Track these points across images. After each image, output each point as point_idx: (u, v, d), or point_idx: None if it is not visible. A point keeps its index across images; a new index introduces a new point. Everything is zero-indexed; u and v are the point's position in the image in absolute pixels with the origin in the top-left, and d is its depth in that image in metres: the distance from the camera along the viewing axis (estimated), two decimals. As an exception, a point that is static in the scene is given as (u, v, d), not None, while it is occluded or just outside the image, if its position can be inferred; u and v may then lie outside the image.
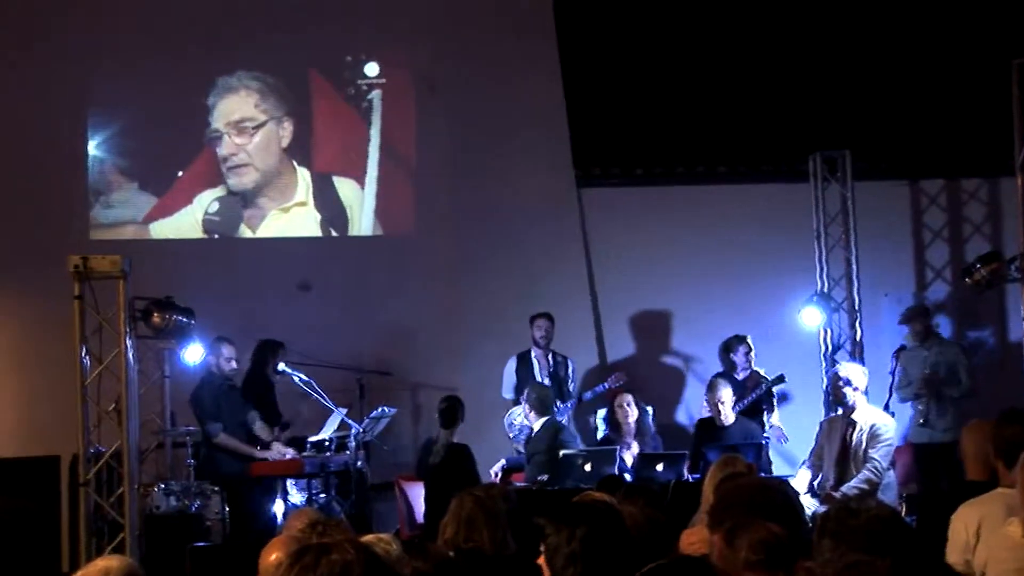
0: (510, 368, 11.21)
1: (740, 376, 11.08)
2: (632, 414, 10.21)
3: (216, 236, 12.20)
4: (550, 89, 12.14)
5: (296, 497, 10.29)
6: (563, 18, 12.21)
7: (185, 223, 12.14)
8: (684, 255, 12.14)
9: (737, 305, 11.85)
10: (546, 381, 10.83)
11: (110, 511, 9.00)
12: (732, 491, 4.70)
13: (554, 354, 11.18)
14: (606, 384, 10.94)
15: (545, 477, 9.50)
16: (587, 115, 12.21)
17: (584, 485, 8.22)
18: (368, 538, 4.20)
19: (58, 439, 10.10)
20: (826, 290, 11.69)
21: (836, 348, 11.64)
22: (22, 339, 11.62)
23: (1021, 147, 10.79)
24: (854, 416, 8.86)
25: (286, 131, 12.30)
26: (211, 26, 12.00)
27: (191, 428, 10.19)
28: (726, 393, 10.12)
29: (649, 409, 10.62)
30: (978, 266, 10.77)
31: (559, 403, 10.59)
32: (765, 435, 10.68)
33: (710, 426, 10.24)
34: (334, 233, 12.33)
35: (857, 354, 11.41)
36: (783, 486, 4.96)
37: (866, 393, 9.00)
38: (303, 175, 12.28)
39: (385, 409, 10.60)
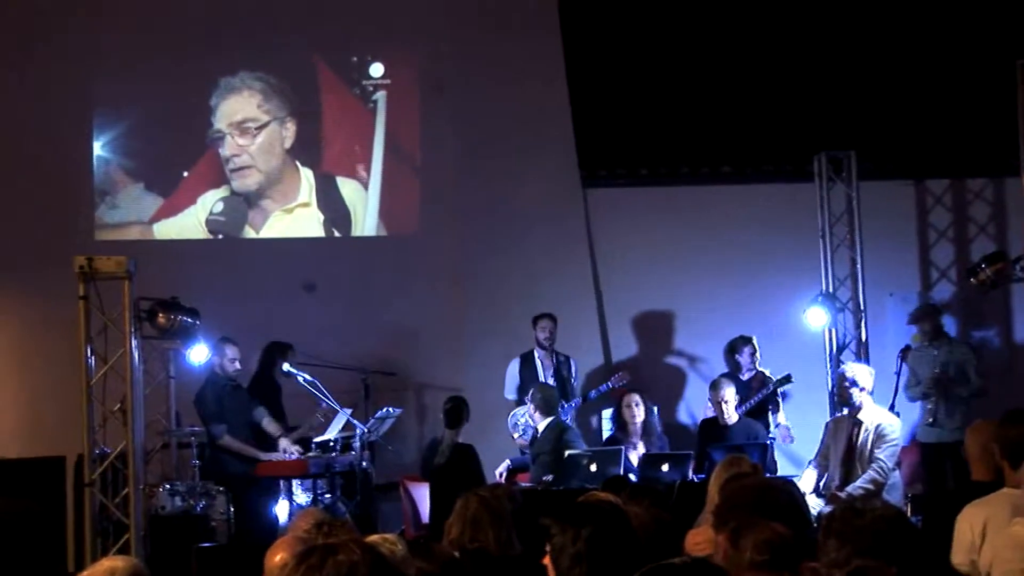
0: (513, 369, 11.20)
1: (745, 377, 11.07)
2: (639, 414, 10.21)
3: (220, 237, 12.21)
4: (555, 90, 12.13)
5: (301, 497, 10.29)
6: (568, 18, 12.21)
7: (189, 223, 12.15)
8: (689, 255, 12.13)
9: (742, 305, 11.85)
10: (551, 381, 10.82)
11: (115, 511, 9.01)
12: (737, 491, 4.70)
13: (556, 354, 11.18)
14: (609, 384, 10.94)
15: (550, 477, 9.50)
16: (592, 116, 12.21)
17: (589, 485, 8.22)
18: (373, 538, 4.21)
19: (63, 439, 10.11)
20: (831, 290, 11.67)
21: (841, 348, 11.63)
22: (27, 339, 11.64)
23: (1026, 147, 10.78)
24: (860, 416, 8.86)
25: (289, 132, 12.30)
26: (215, 26, 12.00)
27: (196, 428, 10.20)
28: (729, 392, 10.13)
29: (655, 409, 10.62)
30: (983, 266, 10.75)
31: (563, 403, 10.58)
32: (771, 435, 10.68)
33: (713, 426, 10.25)
34: (337, 234, 12.33)
35: (862, 354, 11.40)
36: (788, 486, 4.96)
37: (871, 393, 8.99)
38: (307, 176, 12.29)
39: (390, 410, 10.60)
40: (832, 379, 11.40)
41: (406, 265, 12.09)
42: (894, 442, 8.79)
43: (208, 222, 12.16)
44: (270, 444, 10.41)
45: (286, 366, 10.44)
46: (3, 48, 11.83)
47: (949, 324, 11.61)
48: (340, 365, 10.97)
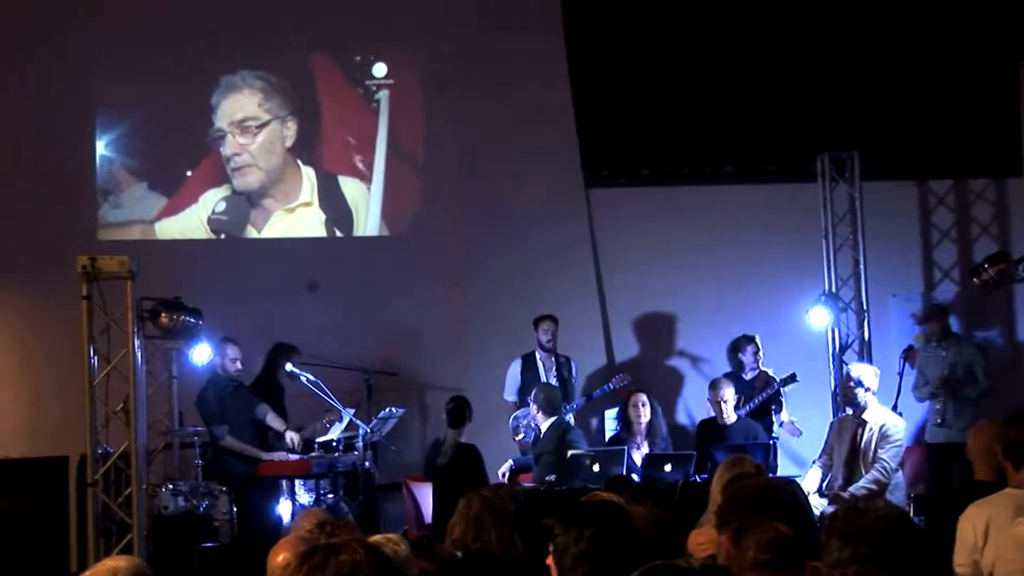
0: (514, 371, 11.19)
1: (748, 376, 11.08)
2: (645, 414, 10.21)
3: (222, 236, 12.21)
4: (558, 90, 12.13)
5: (304, 497, 10.28)
6: (571, 18, 12.21)
7: (191, 223, 12.15)
8: (691, 255, 12.13)
9: (744, 305, 11.85)
10: (552, 383, 10.82)
11: (118, 511, 9.01)
12: (740, 491, 4.70)
13: (558, 355, 11.18)
14: (610, 385, 10.95)
15: (553, 477, 9.51)
16: (595, 116, 12.21)
17: (592, 485, 8.21)
18: (376, 538, 4.21)
19: (66, 439, 10.11)
20: (834, 290, 11.67)
21: (844, 348, 11.63)
22: (30, 339, 11.65)
23: (1029, 147, 10.78)
24: (865, 416, 8.87)
25: (290, 131, 12.30)
26: (216, 25, 12.00)
27: (199, 428, 10.20)
28: (729, 392, 10.15)
29: (659, 410, 10.61)
30: (986, 266, 10.75)
31: (564, 404, 10.57)
32: (774, 435, 10.69)
33: (712, 426, 10.28)
34: (339, 233, 12.33)
35: (865, 354, 11.40)
36: (791, 486, 4.96)
37: (876, 394, 9.00)
38: (308, 175, 12.28)
39: (393, 410, 10.61)
40: (835, 379, 11.41)
41: (408, 265, 12.09)
42: (898, 443, 8.79)
43: (210, 221, 12.16)
44: (273, 444, 10.42)
45: (289, 366, 10.45)
46: (4, 48, 11.84)
47: (952, 325, 11.60)
48: (343, 365, 10.97)
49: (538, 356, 11.16)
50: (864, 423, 8.84)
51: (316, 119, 12.38)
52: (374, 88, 12.37)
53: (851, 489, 8.61)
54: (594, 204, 12.31)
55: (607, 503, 4.62)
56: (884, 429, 8.76)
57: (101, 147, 12.09)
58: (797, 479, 8.41)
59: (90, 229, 11.92)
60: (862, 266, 11.68)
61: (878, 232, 11.81)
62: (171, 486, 9.80)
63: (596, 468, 9.18)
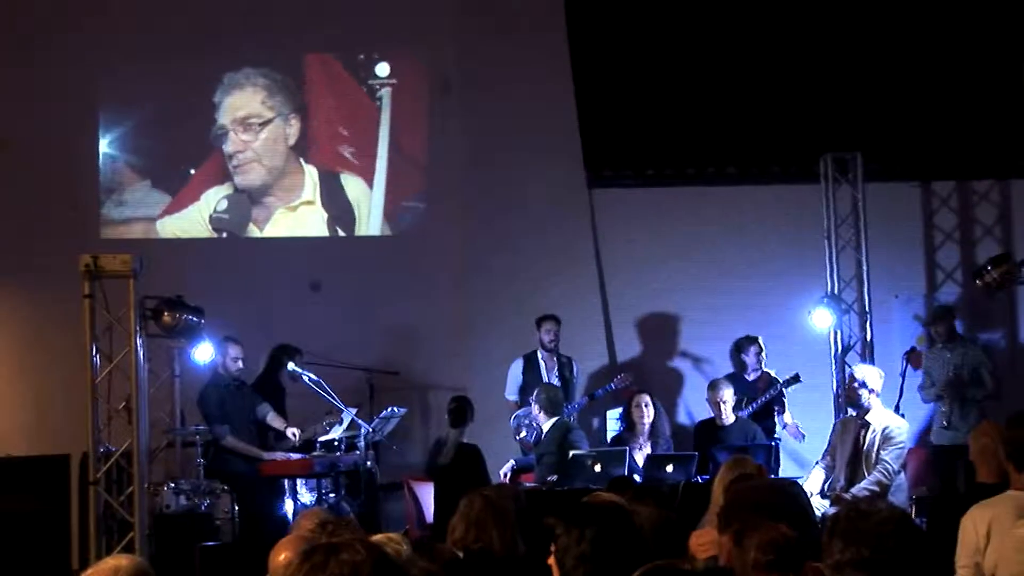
0: (516, 370, 11.19)
1: (751, 377, 11.07)
2: (648, 415, 10.21)
3: (224, 235, 12.21)
4: (561, 90, 12.13)
5: (306, 497, 10.28)
6: (574, 19, 12.20)
7: (193, 221, 12.15)
8: (694, 256, 12.12)
9: (747, 306, 11.84)
10: (555, 382, 10.82)
11: (120, 510, 9.01)
12: (742, 493, 4.70)
13: (559, 356, 11.18)
14: (612, 385, 10.94)
15: (555, 477, 9.51)
16: (598, 116, 12.20)
17: (594, 486, 8.21)
18: (378, 538, 4.21)
19: (68, 438, 10.11)
20: (836, 291, 11.66)
21: (846, 349, 11.62)
22: (33, 337, 11.65)
23: (1032, 149, 10.78)
24: (868, 418, 8.87)
25: (293, 128, 12.30)
26: (220, 23, 12.01)
27: (201, 427, 10.20)
28: (728, 393, 10.16)
29: (663, 411, 10.61)
30: (989, 268, 10.74)
31: (566, 405, 10.57)
32: (777, 436, 10.69)
33: (710, 427, 10.28)
34: (341, 232, 12.33)
35: (867, 356, 11.39)
36: (792, 487, 4.96)
37: (879, 395, 9.00)
38: (310, 173, 12.28)
39: (394, 409, 10.61)
40: (837, 381, 11.40)
41: (410, 264, 12.09)
42: (900, 445, 8.79)
43: (212, 220, 12.17)
44: (274, 444, 10.42)
45: (291, 365, 10.45)
46: (8, 46, 11.84)
47: (956, 326, 11.59)
48: (345, 365, 10.97)
49: (540, 356, 11.16)
50: (867, 424, 8.84)
51: (319, 117, 12.38)
52: (377, 87, 12.37)
53: (853, 490, 8.61)
54: (597, 204, 12.31)
55: (609, 503, 4.62)
56: (887, 431, 8.76)
57: (105, 145, 12.10)
58: (799, 480, 8.42)
59: (93, 227, 11.93)
60: (865, 267, 11.67)
61: (881, 233, 11.80)
62: (173, 485, 9.80)
63: (598, 468, 9.19)
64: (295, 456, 10.20)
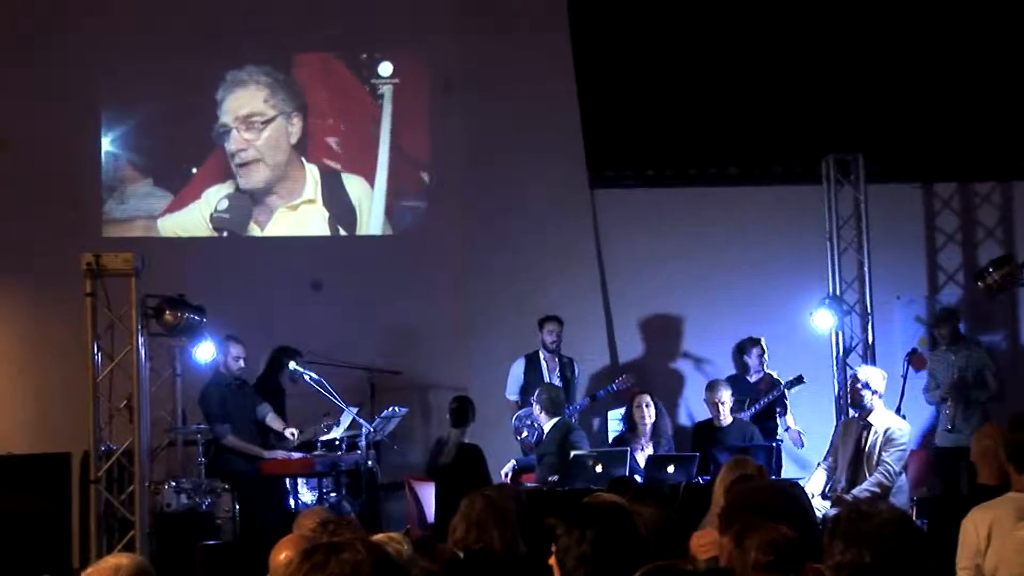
0: (517, 370, 11.19)
1: (753, 378, 11.07)
2: (649, 415, 10.21)
3: (224, 234, 12.22)
4: (564, 90, 12.13)
5: (307, 496, 10.29)
6: (577, 19, 12.20)
7: (193, 220, 12.15)
8: (696, 256, 12.11)
9: (748, 307, 11.84)
10: (556, 383, 10.82)
11: (121, 508, 9.01)
12: (743, 494, 4.70)
13: (561, 356, 11.18)
14: (613, 386, 10.94)
15: (555, 478, 9.51)
16: (600, 116, 12.20)
17: (594, 486, 8.21)
18: (379, 537, 4.21)
19: (69, 436, 10.11)
20: (838, 293, 11.66)
21: (848, 351, 11.62)
22: (34, 336, 11.66)
23: (1035, 150, 10.78)
24: (870, 419, 8.86)
25: (295, 127, 12.30)
26: (222, 20, 12.01)
27: (202, 426, 10.19)
28: (726, 394, 10.16)
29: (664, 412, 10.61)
30: (990, 269, 10.75)
31: (568, 406, 10.57)
32: (779, 437, 10.69)
33: (708, 428, 10.28)
34: (342, 231, 12.33)
35: (869, 357, 11.38)
36: (793, 489, 4.96)
37: (882, 397, 9.00)
38: (312, 172, 12.28)
39: (396, 409, 10.61)
40: (838, 382, 11.40)
41: (411, 264, 12.09)
42: (902, 446, 8.78)
43: (213, 219, 12.16)
44: (274, 444, 10.42)
45: (292, 365, 10.46)
46: (12, 45, 11.85)
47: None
48: (346, 364, 10.97)
49: (542, 356, 11.16)
50: (869, 426, 8.84)
51: (321, 116, 12.38)
52: (379, 86, 12.37)
53: (854, 492, 8.61)
54: (598, 204, 12.31)
55: (610, 504, 4.62)
56: (889, 432, 8.75)
57: (107, 143, 12.11)
58: (801, 481, 8.42)
59: (95, 226, 11.93)
60: (866, 269, 11.66)
61: (883, 235, 11.80)
62: (174, 483, 9.80)
63: (599, 469, 9.19)
64: (296, 455, 10.20)
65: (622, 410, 10.75)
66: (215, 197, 12.16)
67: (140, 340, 9.10)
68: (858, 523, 3.65)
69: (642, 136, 12.30)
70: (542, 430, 10.05)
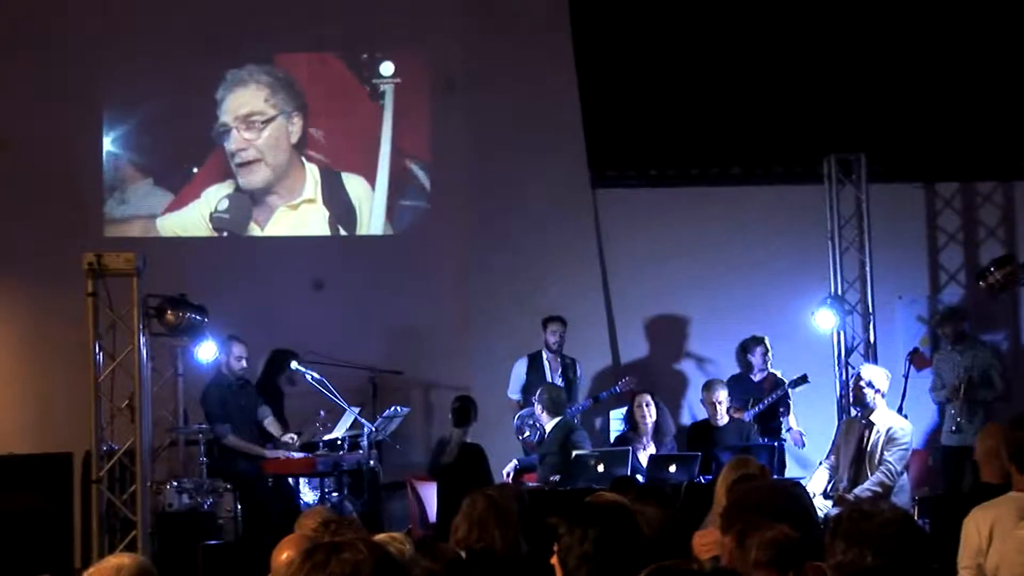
0: (519, 369, 11.20)
1: (757, 378, 11.07)
2: (650, 415, 10.22)
3: (225, 233, 12.21)
4: (565, 90, 12.12)
5: (309, 496, 10.30)
6: (579, 18, 12.20)
7: (193, 219, 12.15)
8: (698, 256, 12.11)
9: (750, 307, 11.83)
10: (558, 383, 10.83)
11: (122, 508, 9.01)
12: (745, 493, 4.70)
13: (563, 357, 11.18)
14: (616, 388, 10.95)
15: (557, 477, 9.51)
16: (602, 116, 12.20)
17: (596, 486, 8.22)
18: (381, 537, 4.21)
19: (71, 436, 10.11)
20: (840, 292, 11.65)
21: (849, 351, 11.61)
22: (36, 335, 11.67)
23: (1036, 150, 10.78)
24: (872, 418, 8.86)
25: (295, 126, 12.30)
26: (222, 20, 12.01)
27: (204, 426, 10.21)
28: (723, 394, 10.18)
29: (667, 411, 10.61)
30: (992, 269, 10.75)
31: (569, 406, 10.57)
32: (782, 437, 10.68)
33: (704, 428, 10.28)
34: (342, 231, 12.32)
35: (870, 357, 11.38)
36: (795, 488, 4.96)
37: (885, 396, 9.00)
38: (312, 172, 12.28)
39: (398, 408, 10.61)
40: (840, 382, 11.39)
41: (413, 264, 12.09)
42: (904, 446, 8.78)
43: (213, 219, 12.17)
44: (274, 442, 10.42)
45: (294, 364, 10.45)
46: (13, 45, 11.86)
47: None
48: (348, 364, 10.97)
49: (544, 356, 11.17)
50: (871, 425, 8.84)
51: (322, 115, 12.37)
52: (380, 86, 12.37)
53: (856, 491, 8.61)
54: (600, 204, 12.31)
55: (612, 503, 4.62)
56: (891, 432, 8.75)
57: (108, 143, 12.11)
58: (802, 480, 8.42)
59: (96, 226, 11.93)
60: (868, 268, 11.66)
61: (884, 234, 11.80)
62: (176, 483, 9.81)
63: (601, 468, 9.19)
64: (298, 455, 10.20)
65: (624, 409, 10.75)
66: (215, 197, 12.16)
67: (142, 340, 9.09)
68: (860, 523, 3.65)
69: (644, 136, 12.29)
70: (544, 430, 10.05)
